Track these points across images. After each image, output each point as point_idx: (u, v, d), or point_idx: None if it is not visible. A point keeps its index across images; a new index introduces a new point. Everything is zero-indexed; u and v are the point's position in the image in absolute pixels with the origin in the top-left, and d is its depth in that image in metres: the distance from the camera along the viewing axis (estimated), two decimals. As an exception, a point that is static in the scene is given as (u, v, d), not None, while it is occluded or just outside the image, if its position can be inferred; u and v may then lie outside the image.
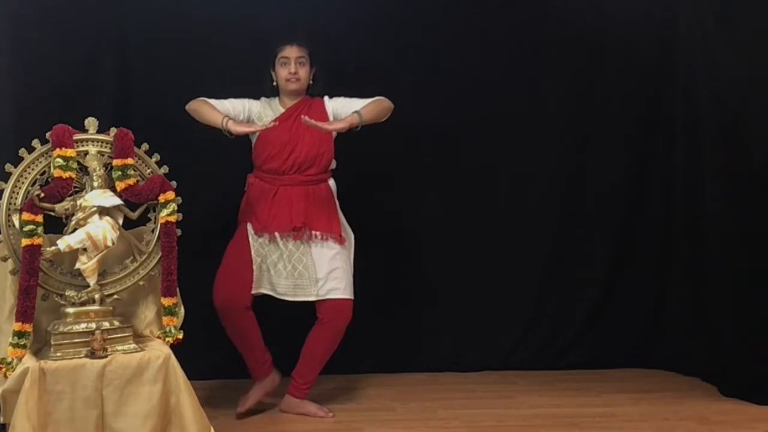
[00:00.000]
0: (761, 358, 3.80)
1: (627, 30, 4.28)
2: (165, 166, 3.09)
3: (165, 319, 3.04)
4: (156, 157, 3.09)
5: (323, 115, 3.56)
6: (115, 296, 2.99)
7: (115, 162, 2.97)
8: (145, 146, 3.07)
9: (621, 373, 4.30)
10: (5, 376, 2.74)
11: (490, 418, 3.57)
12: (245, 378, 3.65)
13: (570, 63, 4.33)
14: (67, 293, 2.91)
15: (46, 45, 3.71)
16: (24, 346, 2.79)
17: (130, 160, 2.98)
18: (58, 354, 2.78)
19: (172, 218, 3.03)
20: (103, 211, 2.93)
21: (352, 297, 3.56)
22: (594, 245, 4.42)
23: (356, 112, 3.44)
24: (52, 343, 2.81)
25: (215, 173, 3.97)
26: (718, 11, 3.97)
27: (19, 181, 2.88)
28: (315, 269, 3.51)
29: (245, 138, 3.58)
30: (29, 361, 2.73)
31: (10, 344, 2.78)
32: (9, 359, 2.77)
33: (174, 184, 3.06)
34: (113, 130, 3.01)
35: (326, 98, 3.64)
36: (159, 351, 2.88)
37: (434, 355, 4.35)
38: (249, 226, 3.56)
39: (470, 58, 4.22)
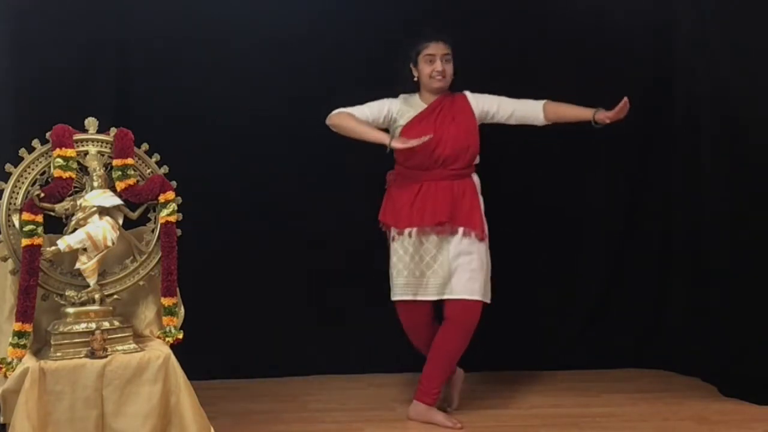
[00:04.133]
0: (761, 358, 3.80)
1: (627, 30, 4.27)
2: (165, 166, 3.09)
3: (165, 319, 3.05)
4: (156, 157, 3.09)
5: (468, 110, 3.52)
6: (115, 296, 2.99)
7: (115, 162, 2.97)
8: (145, 146, 3.07)
9: (621, 373, 4.29)
10: (5, 376, 2.74)
11: (490, 418, 3.57)
12: (245, 378, 3.64)
13: (569, 63, 4.32)
14: (67, 293, 2.91)
15: (46, 45, 3.71)
16: (24, 346, 2.79)
17: (130, 160, 2.98)
18: (58, 354, 2.78)
19: (172, 218, 3.03)
20: (103, 211, 2.93)
21: (482, 298, 3.47)
22: (594, 245, 4.42)
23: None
24: (52, 343, 2.81)
25: (214, 173, 3.97)
26: (718, 11, 3.97)
27: (19, 181, 2.88)
28: (449, 267, 3.44)
29: (244, 140, 3.58)
30: (29, 361, 2.73)
31: (10, 344, 2.79)
32: (9, 359, 2.77)
33: (174, 184, 3.06)
34: (113, 130, 3.01)
35: (468, 93, 3.59)
36: (159, 351, 2.88)
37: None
38: (393, 231, 3.49)
39: (468, 58, 4.20)
